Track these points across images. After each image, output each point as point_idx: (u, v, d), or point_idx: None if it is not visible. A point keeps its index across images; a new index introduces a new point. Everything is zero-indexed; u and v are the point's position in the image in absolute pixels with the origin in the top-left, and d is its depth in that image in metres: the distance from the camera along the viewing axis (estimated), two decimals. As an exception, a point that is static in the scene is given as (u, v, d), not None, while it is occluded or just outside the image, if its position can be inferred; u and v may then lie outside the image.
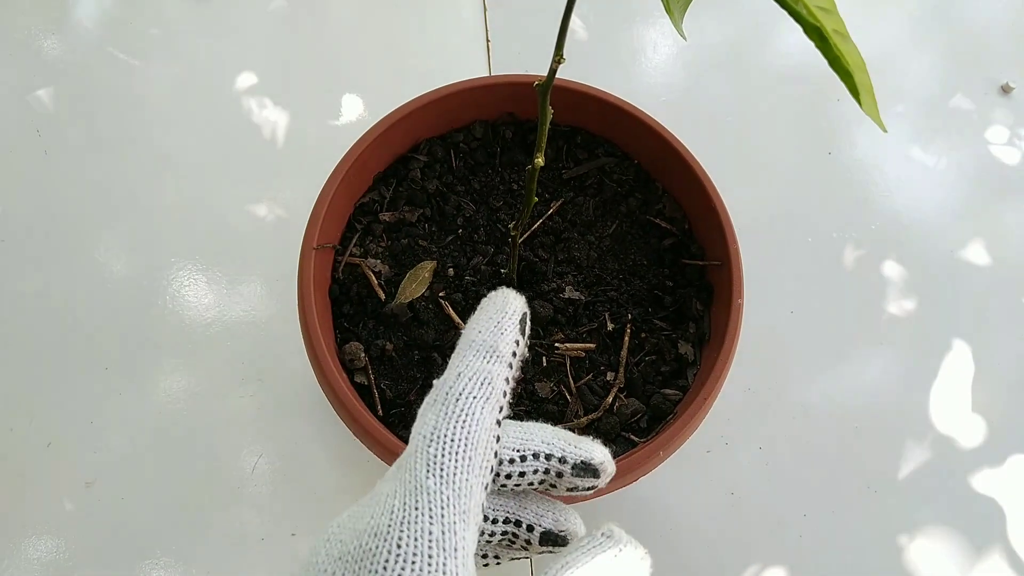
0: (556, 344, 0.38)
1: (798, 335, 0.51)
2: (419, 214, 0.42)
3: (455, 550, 0.19)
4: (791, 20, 0.23)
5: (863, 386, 0.50)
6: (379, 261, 0.40)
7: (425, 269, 0.40)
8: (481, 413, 0.21)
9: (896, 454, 0.48)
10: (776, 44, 0.61)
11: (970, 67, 0.61)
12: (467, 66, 0.59)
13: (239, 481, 0.44)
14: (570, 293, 0.40)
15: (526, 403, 0.37)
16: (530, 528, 0.24)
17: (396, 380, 0.38)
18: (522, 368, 0.38)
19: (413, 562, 0.18)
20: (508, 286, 0.41)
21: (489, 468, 0.21)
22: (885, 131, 0.24)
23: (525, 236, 0.42)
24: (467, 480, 0.20)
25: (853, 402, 0.49)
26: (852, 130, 0.58)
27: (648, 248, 0.43)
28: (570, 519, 0.24)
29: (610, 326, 0.40)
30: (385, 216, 0.42)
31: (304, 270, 0.37)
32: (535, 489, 0.24)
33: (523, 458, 0.23)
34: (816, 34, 0.23)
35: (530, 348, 0.38)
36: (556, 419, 0.37)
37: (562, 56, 0.27)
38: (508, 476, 0.23)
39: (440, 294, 0.40)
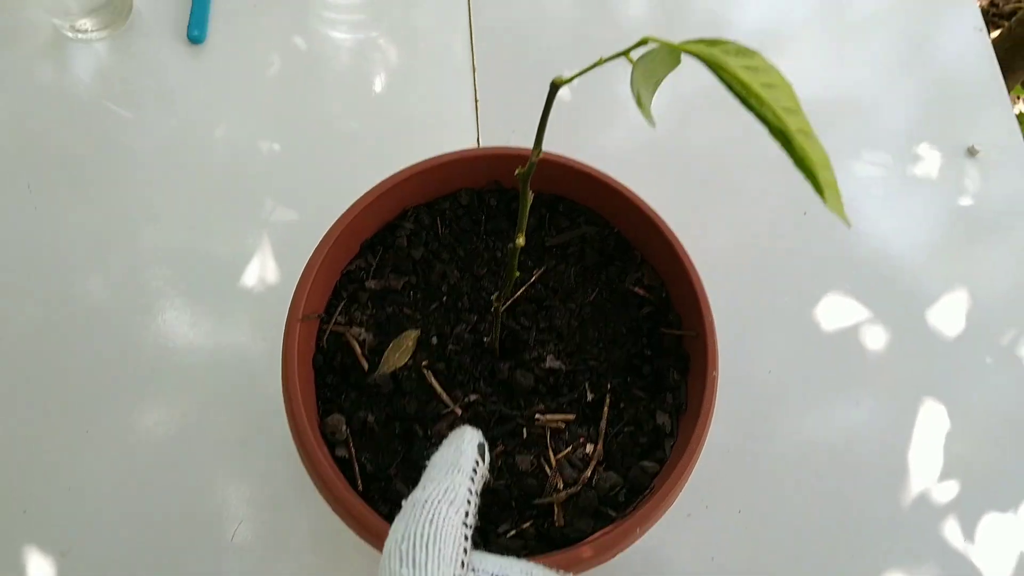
0: (536, 416, 0.39)
1: (776, 395, 0.52)
2: (404, 281, 0.43)
3: None
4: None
5: (842, 446, 0.50)
6: (363, 330, 0.41)
7: (409, 338, 0.41)
8: (447, 512, 0.24)
9: (876, 515, 0.49)
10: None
11: (939, 129, 0.63)
12: (457, 127, 0.60)
13: (219, 549, 0.44)
14: (551, 362, 0.41)
15: (506, 476, 0.37)
16: None
17: (377, 453, 0.38)
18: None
19: None
20: (490, 355, 0.42)
21: (460, 562, 0.24)
22: (849, 226, 0.25)
23: (507, 305, 0.42)
24: (439, 567, 0.23)
25: (832, 463, 0.50)
26: (827, 193, 0.59)
27: (627, 316, 0.43)
28: None
29: (589, 396, 0.40)
30: (371, 284, 0.43)
31: (288, 343, 0.37)
32: None
33: None
34: (781, 137, 0.25)
35: (512, 420, 0.39)
36: (535, 493, 0.37)
37: (541, 150, 0.28)
38: None
39: (423, 363, 0.40)
